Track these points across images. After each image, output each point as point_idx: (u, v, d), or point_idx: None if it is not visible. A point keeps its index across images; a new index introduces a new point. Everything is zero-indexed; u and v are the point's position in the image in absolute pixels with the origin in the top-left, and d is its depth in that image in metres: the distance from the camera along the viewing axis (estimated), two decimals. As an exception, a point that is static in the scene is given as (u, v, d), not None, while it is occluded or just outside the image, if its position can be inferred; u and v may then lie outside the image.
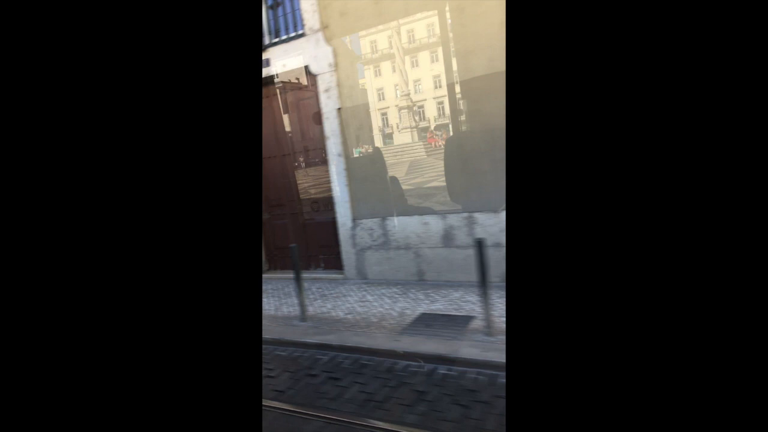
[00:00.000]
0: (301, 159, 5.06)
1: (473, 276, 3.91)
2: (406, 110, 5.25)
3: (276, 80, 4.86)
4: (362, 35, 4.50)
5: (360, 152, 4.55)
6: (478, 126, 3.95)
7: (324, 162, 4.78)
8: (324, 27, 4.43)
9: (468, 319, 3.17)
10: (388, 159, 4.55)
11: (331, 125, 4.53)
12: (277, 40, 4.81)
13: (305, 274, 4.82)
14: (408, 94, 5.19)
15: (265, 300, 4.35)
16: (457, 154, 4.10)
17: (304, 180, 5.10)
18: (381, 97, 4.87)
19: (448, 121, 4.36)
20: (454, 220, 4.04)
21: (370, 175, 4.50)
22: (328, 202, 4.84)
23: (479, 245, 2.80)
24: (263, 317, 3.83)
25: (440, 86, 4.23)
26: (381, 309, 3.63)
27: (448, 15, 3.90)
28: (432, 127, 4.73)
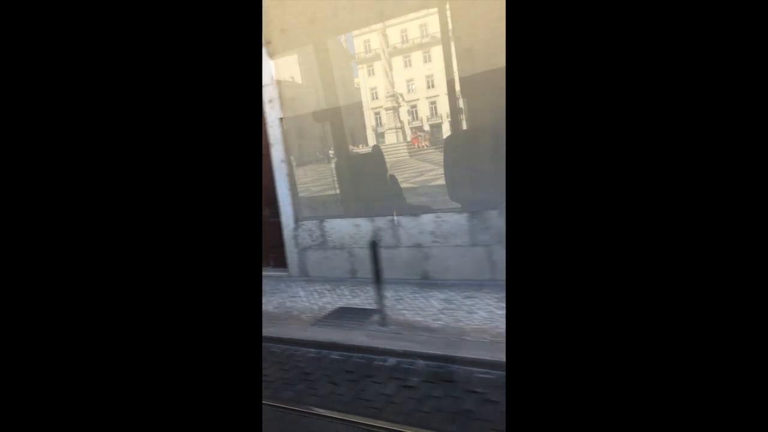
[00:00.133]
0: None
1: (396, 273, 4.26)
2: (392, 111, 5.56)
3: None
4: (356, 34, 4.55)
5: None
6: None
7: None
8: (267, 43, 4.78)
9: (374, 312, 3.52)
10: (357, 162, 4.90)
11: (274, 133, 4.88)
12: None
13: (253, 272, 5.17)
14: (393, 95, 5.41)
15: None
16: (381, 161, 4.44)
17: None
18: (375, 96, 5.02)
19: (440, 121, 4.42)
20: (381, 222, 4.39)
21: (312, 180, 4.85)
22: (274, 205, 5.19)
23: (373, 247, 3.15)
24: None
25: (432, 86, 4.33)
26: (307, 304, 3.98)
27: (448, 13, 3.84)
28: (408, 127, 4.89)
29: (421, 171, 5.68)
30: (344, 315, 3.56)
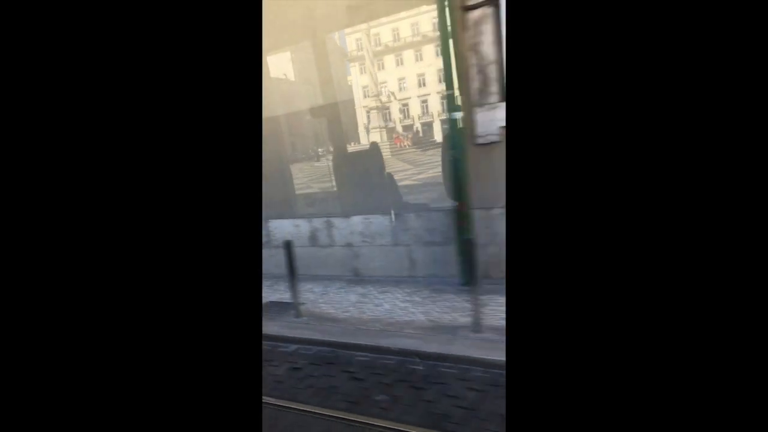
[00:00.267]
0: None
1: (332, 270, 4.64)
2: (375, 111, 5.85)
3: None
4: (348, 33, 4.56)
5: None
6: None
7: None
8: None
9: (296, 305, 3.90)
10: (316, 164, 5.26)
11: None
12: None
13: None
14: (377, 95, 5.58)
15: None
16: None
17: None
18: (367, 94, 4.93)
19: (431, 119, 4.31)
20: (318, 223, 4.76)
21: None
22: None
23: (287, 246, 3.52)
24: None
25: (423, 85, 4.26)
26: (244, 298, 4.36)
27: (447, 11, 3.72)
28: (399, 125, 4.85)
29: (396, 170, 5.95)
30: (270, 308, 3.93)
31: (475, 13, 3.67)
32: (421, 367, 2.68)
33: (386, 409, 2.28)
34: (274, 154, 5.23)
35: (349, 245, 4.58)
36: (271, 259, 5.11)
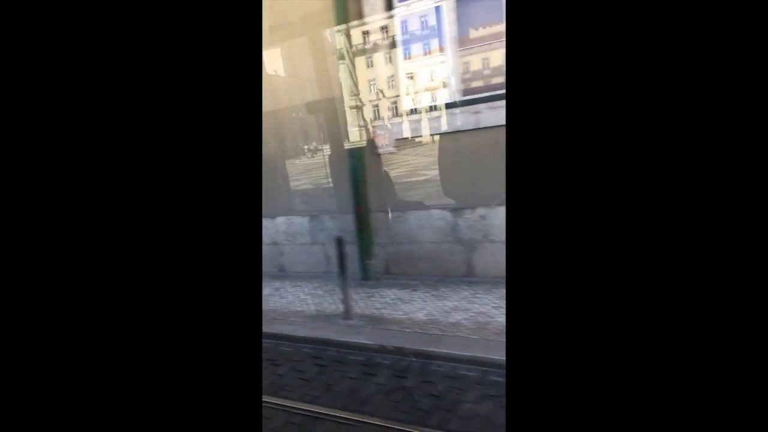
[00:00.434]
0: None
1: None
2: (355, 110, 6.06)
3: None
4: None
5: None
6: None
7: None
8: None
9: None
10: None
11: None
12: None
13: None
14: (358, 95, 5.72)
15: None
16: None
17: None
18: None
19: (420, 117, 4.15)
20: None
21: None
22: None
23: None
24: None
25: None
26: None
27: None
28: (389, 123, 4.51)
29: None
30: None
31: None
32: (288, 349, 3.13)
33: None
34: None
35: (275, 243, 5.03)
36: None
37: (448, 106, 4.00)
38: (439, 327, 3.02)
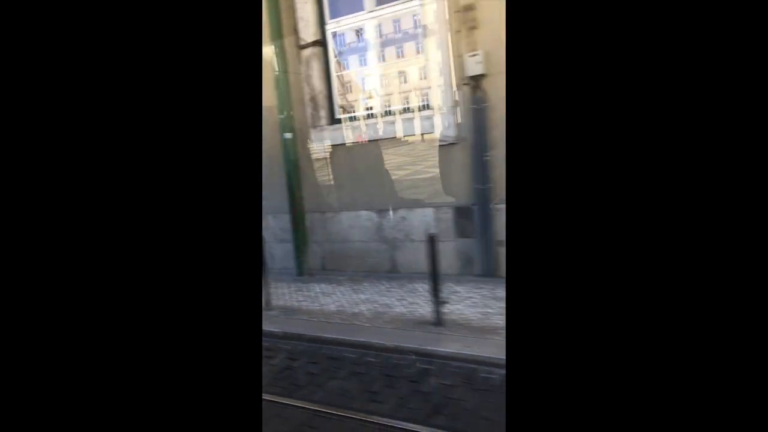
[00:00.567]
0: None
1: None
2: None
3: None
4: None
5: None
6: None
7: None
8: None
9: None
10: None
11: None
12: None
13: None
14: (343, 94, 5.79)
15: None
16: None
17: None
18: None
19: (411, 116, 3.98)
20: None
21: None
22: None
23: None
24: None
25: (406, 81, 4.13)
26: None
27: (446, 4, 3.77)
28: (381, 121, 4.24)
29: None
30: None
31: (306, 51, 4.44)
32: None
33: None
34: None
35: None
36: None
37: (373, 116, 4.34)
38: (342, 317, 3.35)
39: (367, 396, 2.34)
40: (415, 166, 4.15)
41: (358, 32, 4.39)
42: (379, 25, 4.21)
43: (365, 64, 4.49)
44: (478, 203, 3.87)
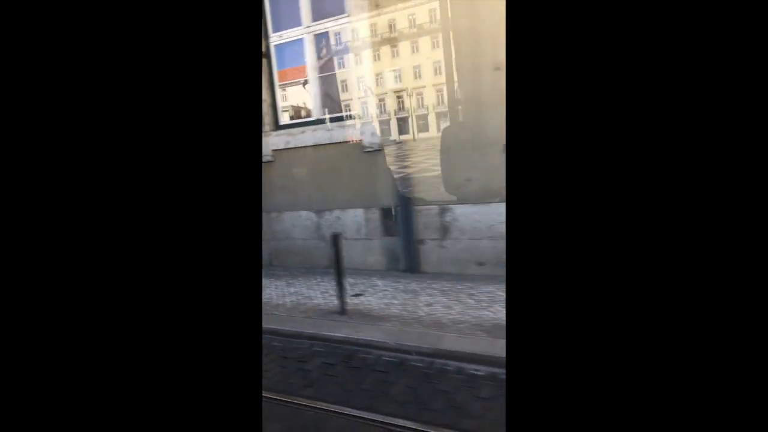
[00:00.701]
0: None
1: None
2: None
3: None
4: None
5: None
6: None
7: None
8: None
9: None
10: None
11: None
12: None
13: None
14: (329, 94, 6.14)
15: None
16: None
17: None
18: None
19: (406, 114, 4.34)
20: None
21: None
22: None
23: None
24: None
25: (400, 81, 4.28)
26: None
27: (448, 2, 3.93)
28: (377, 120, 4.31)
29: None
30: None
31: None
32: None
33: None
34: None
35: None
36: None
37: (307, 123, 4.69)
38: (266, 308, 3.70)
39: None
40: (346, 170, 4.50)
41: (300, 46, 4.73)
42: (315, 39, 4.55)
43: (305, 75, 4.83)
44: (401, 205, 4.21)
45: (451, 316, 3.08)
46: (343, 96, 4.62)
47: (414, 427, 1.98)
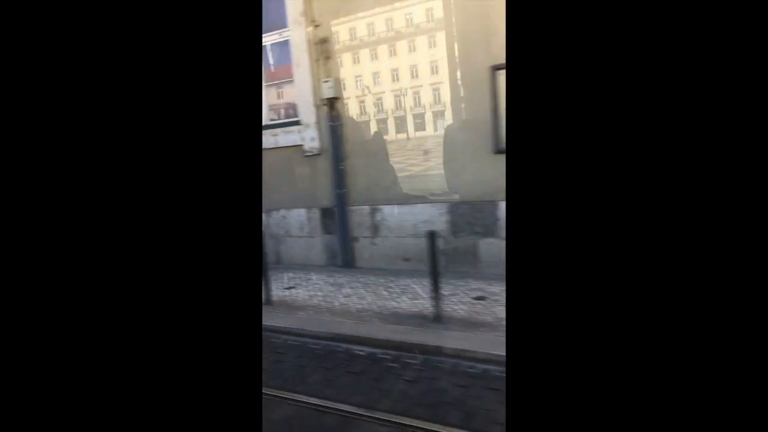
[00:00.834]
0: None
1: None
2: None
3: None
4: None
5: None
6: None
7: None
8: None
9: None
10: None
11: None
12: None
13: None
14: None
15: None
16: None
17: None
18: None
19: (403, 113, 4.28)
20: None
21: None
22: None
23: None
24: None
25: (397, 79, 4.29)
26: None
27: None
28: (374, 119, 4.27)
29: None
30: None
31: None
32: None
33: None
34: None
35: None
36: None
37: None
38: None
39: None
40: (290, 173, 4.84)
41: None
42: (265, 49, 4.89)
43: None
44: (338, 205, 4.55)
45: (359, 306, 3.43)
46: (285, 103, 4.96)
47: (415, 425, 2.00)
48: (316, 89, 4.46)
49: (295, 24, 4.43)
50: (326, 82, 4.33)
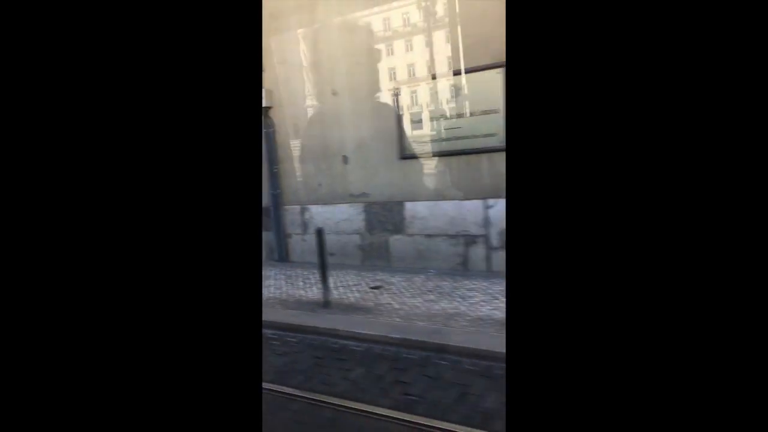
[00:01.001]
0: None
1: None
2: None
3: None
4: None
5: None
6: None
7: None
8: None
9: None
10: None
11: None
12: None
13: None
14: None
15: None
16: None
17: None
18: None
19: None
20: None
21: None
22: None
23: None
24: None
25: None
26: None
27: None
28: None
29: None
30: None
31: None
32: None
33: None
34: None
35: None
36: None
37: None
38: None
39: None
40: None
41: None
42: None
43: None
44: (273, 205, 5.02)
45: (272, 295, 3.90)
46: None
47: (403, 417, 2.05)
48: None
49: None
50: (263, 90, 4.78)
